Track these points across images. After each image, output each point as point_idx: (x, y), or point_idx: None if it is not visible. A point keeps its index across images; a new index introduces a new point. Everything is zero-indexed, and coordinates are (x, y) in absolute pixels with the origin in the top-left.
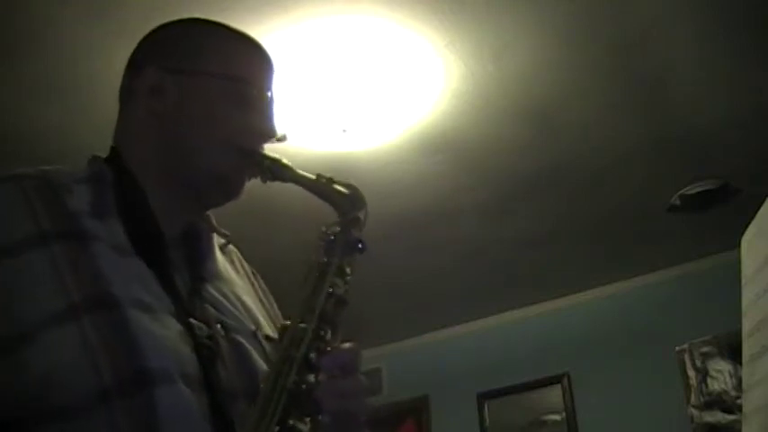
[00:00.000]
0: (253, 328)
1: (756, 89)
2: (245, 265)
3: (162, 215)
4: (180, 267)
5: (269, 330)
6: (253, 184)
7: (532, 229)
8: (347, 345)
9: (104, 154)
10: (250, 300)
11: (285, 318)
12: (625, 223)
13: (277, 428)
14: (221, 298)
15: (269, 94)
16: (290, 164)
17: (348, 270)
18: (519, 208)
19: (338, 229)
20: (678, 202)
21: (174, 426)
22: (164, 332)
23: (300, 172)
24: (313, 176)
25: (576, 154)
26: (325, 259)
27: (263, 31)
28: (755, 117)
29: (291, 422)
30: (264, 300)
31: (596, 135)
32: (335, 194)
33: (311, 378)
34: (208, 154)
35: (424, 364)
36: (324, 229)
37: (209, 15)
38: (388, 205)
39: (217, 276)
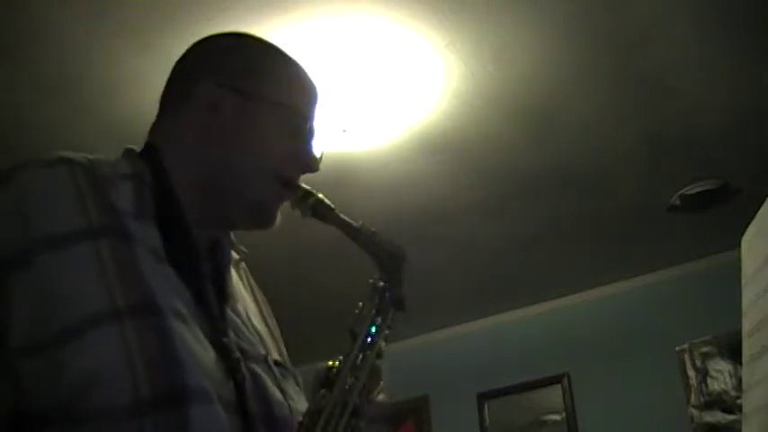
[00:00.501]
0: (263, 352)
1: (756, 89)
2: (252, 282)
3: (192, 225)
4: (208, 283)
5: (276, 355)
6: None
7: (532, 229)
8: (382, 396)
9: (104, 154)
10: (257, 320)
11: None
12: (625, 223)
13: None
14: (237, 319)
15: (313, 124)
16: (334, 206)
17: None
18: (519, 208)
19: (382, 283)
20: (678, 202)
21: None
22: (200, 349)
23: (343, 217)
24: (357, 224)
25: (576, 154)
26: (374, 311)
27: (263, 31)
28: (755, 117)
29: None
30: (267, 318)
31: (596, 135)
32: (378, 248)
33: (354, 422)
34: (249, 177)
35: (424, 364)
36: (371, 281)
37: (209, 15)
38: (388, 205)
39: (231, 295)
